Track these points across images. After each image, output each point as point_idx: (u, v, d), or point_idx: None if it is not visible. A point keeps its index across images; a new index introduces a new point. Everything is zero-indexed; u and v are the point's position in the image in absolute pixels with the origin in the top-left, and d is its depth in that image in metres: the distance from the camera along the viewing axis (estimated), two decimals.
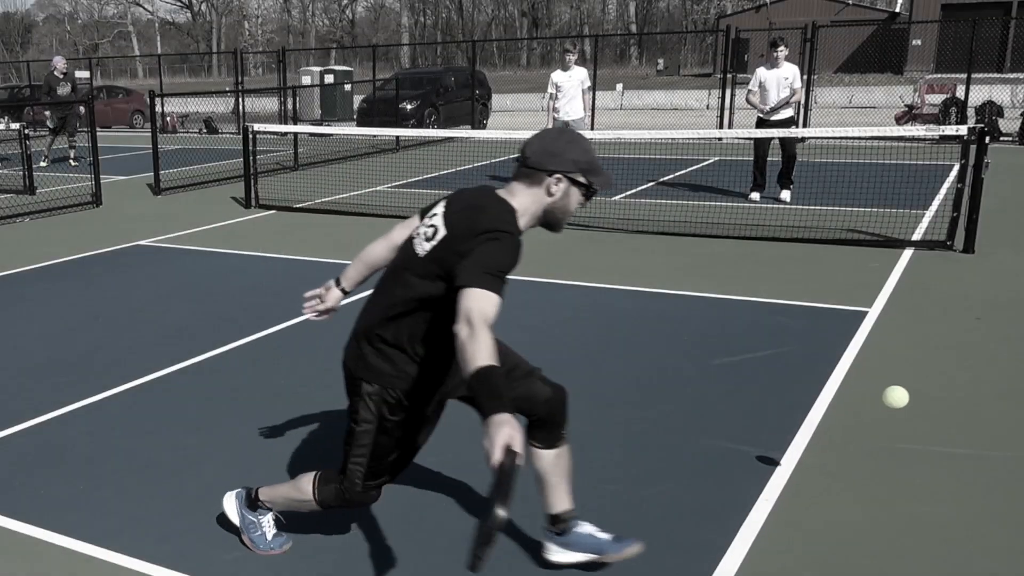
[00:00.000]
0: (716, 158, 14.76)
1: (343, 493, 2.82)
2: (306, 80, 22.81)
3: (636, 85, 36.28)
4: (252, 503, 3.13)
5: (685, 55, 54.70)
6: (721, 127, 18.19)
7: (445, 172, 13.93)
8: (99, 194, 11.34)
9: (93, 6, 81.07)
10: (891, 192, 10.46)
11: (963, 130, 7.78)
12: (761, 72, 10.22)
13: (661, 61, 49.54)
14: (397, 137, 17.30)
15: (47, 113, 16.21)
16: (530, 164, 2.54)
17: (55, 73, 15.55)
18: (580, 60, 11.29)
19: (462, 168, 14.37)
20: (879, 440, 4.01)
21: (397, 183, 12.88)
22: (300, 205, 10.96)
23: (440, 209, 2.61)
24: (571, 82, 11.05)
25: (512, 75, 50.93)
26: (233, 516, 3.17)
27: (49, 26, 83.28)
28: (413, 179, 13.30)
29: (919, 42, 35.77)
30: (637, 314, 6.05)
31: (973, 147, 7.55)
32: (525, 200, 2.55)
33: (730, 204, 10.25)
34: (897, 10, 43.67)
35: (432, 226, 2.57)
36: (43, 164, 15.62)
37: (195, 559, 3.15)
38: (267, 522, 3.14)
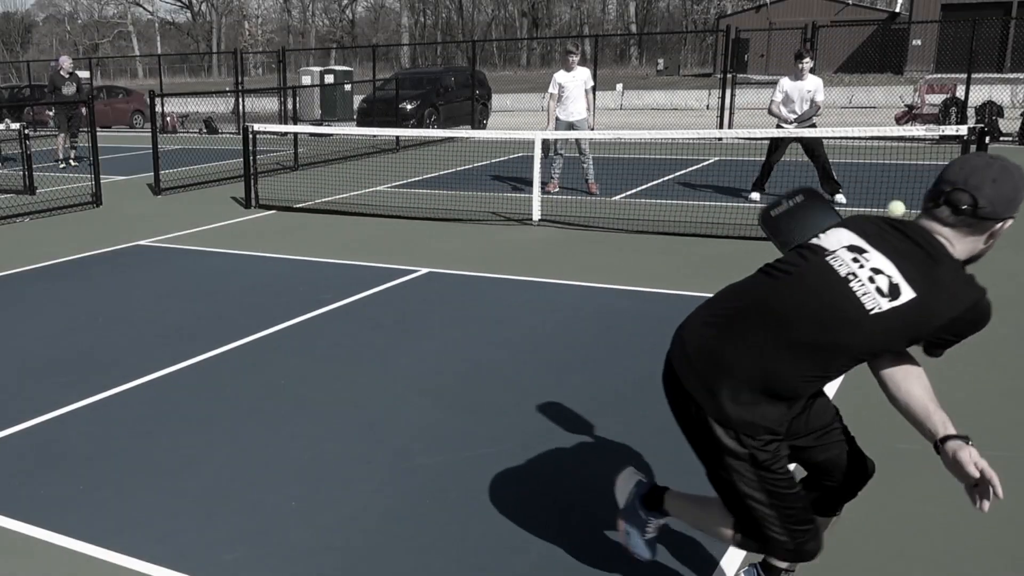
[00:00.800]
0: (716, 158, 14.76)
1: (777, 552, 2.46)
2: (306, 80, 22.82)
3: (636, 85, 36.28)
4: (652, 501, 2.74)
5: (685, 55, 54.69)
6: (721, 127, 18.19)
7: (445, 172, 13.93)
8: (99, 194, 11.34)
9: (93, 6, 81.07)
10: (891, 192, 10.45)
11: (963, 130, 7.79)
12: (785, 83, 10.16)
13: (661, 61, 49.52)
14: (397, 137, 17.30)
15: (49, 113, 16.18)
16: (984, 214, 2.19)
17: (61, 72, 15.54)
18: (581, 60, 11.31)
19: (462, 168, 14.38)
20: (879, 440, 4.01)
21: (397, 183, 12.88)
22: (300, 205, 10.96)
23: (867, 246, 2.26)
24: (575, 82, 11.06)
25: (512, 75, 50.93)
26: (620, 498, 2.82)
27: (49, 26, 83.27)
28: (413, 179, 13.30)
29: (919, 42, 35.76)
30: (637, 314, 6.05)
31: (973, 147, 7.56)
32: (962, 249, 2.25)
33: (730, 204, 10.24)
34: (897, 10, 43.67)
35: (883, 275, 2.20)
36: (62, 165, 15.57)
37: (195, 559, 3.15)
38: (654, 528, 2.77)
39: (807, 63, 10.02)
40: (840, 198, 10.24)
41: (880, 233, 2.28)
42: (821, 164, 10.13)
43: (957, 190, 2.21)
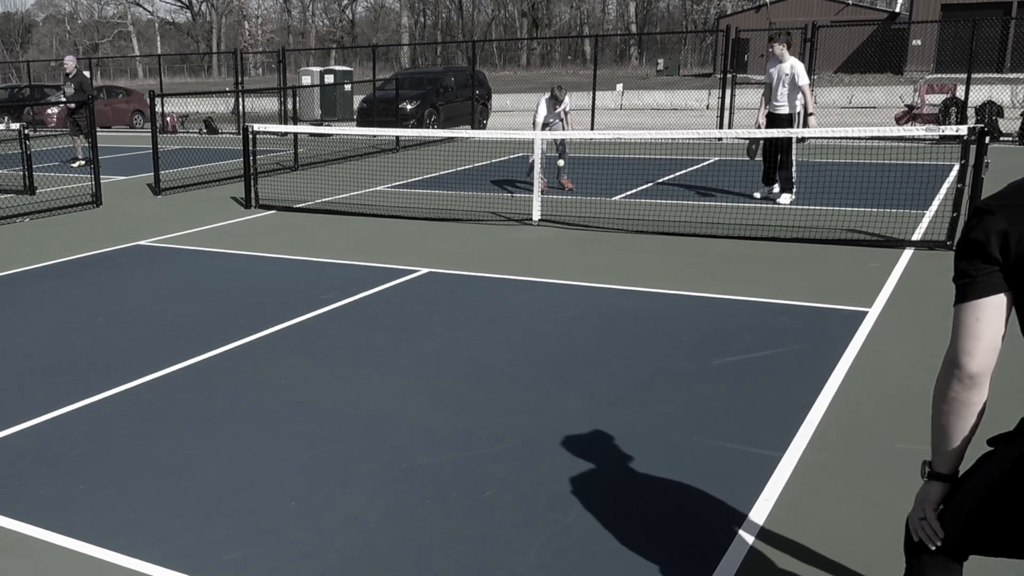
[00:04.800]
0: (716, 158, 14.76)
1: None
2: (306, 80, 22.83)
3: (636, 85, 36.28)
4: None
5: (685, 55, 54.66)
6: (721, 127, 18.18)
7: (445, 172, 13.93)
8: (99, 194, 11.34)
9: (93, 6, 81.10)
10: (891, 192, 10.46)
11: (963, 130, 7.79)
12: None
13: (661, 61, 49.50)
14: (397, 137, 17.31)
15: (49, 112, 16.08)
16: None
17: (65, 72, 15.57)
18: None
19: (462, 168, 14.38)
20: (879, 440, 4.01)
21: (397, 183, 12.88)
22: (300, 205, 10.96)
23: None
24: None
25: (512, 75, 50.85)
26: None
27: (49, 26, 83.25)
28: (413, 179, 13.30)
29: (919, 42, 35.76)
30: (637, 314, 6.05)
31: (973, 147, 7.56)
32: None
33: (730, 204, 10.24)
34: (897, 10, 43.67)
35: None
36: (74, 164, 15.49)
37: (195, 559, 3.15)
38: None
39: (777, 47, 10.00)
40: (782, 196, 10.38)
41: None
42: (786, 162, 10.25)
43: None
